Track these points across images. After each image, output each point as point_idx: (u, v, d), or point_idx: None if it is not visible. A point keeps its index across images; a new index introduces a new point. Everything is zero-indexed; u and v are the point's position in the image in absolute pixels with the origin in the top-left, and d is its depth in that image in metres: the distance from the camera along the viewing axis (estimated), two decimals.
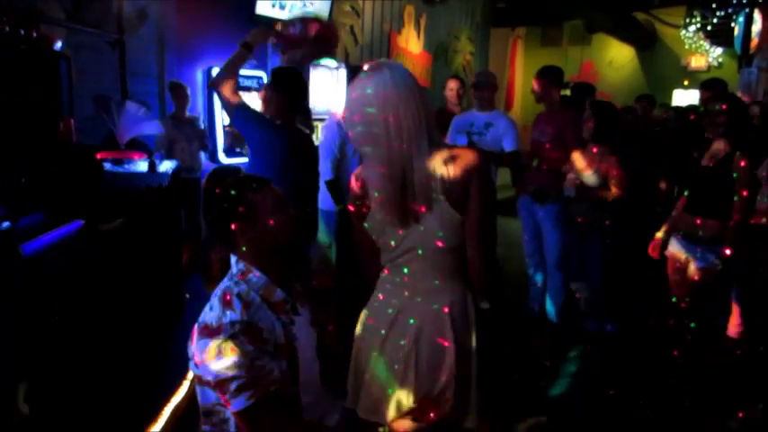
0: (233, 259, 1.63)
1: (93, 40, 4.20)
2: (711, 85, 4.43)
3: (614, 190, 3.62)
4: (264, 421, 1.43)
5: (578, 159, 3.70)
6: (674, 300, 3.26)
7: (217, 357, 1.42)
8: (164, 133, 4.83)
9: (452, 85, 4.98)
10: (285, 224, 1.63)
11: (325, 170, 3.73)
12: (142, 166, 3.39)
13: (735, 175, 2.94)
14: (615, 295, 3.94)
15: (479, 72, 5.59)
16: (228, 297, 1.53)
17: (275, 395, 1.45)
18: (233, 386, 1.42)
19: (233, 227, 1.58)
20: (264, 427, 1.43)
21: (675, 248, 3.26)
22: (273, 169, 2.83)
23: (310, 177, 3.26)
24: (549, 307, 4.12)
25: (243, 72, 5.97)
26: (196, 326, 1.51)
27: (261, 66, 6.32)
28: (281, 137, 2.98)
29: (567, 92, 5.06)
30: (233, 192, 1.59)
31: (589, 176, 3.65)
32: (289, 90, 3.11)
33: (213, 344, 1.44)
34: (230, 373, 1.41)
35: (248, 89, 5.84)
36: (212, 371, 1.43)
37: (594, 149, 3.66)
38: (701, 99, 4.60)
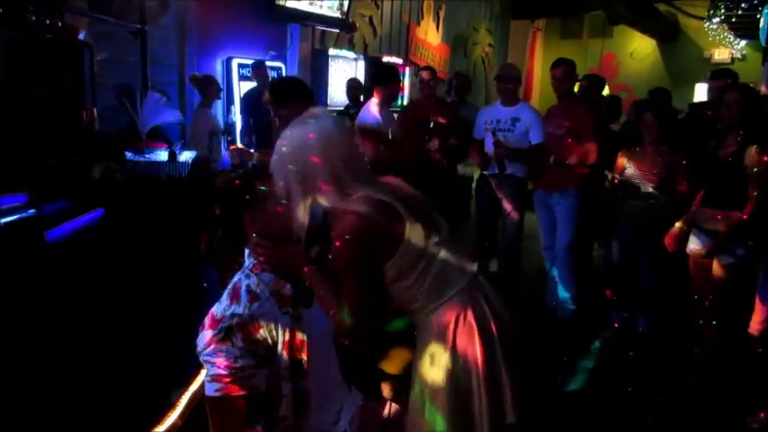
0: (246, 252, 1.64)
1: (116, 30, 4.23)
2: (723, 76, 4.33)
3: (682, 190, 3.46)
4: (223, 417, 1.45)
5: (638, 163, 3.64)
6: (695, 297, 3.22)
7: (207, 343, 1.46)
8: (189, 124, 4.84)
9: (425, 75, 4.58)
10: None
11: None
12: (162, 155, 3.42)
13: (755, 168, 2.88)
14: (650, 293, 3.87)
15: (502, 65, 5.52)
16: (237, 290, 1.55)
17: (244, 400, 1.45)
18: (211, 371, 1.46)
19: (244, 217, 1.60)
20: (222, 422, 1.45)
21: (696, 245, 3.22)
22: None
23: None
24: (562, 293, 4.09)
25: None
26: (204, 320, 1.53)
27: (279, 57, 6.34)
28: None
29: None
30: (242, 183, 1.62)
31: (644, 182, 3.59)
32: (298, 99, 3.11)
33: (209, 333, 1.47)
34: (213, 359, 1.45)
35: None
36: (202, 354, 1.47)
37: (653, 150, 3.58)
38: (711, 89, 4.46)
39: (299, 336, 1.60)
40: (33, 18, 2.57)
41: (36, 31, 2.55)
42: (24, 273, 1.90)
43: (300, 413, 1.59)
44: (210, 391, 1.45)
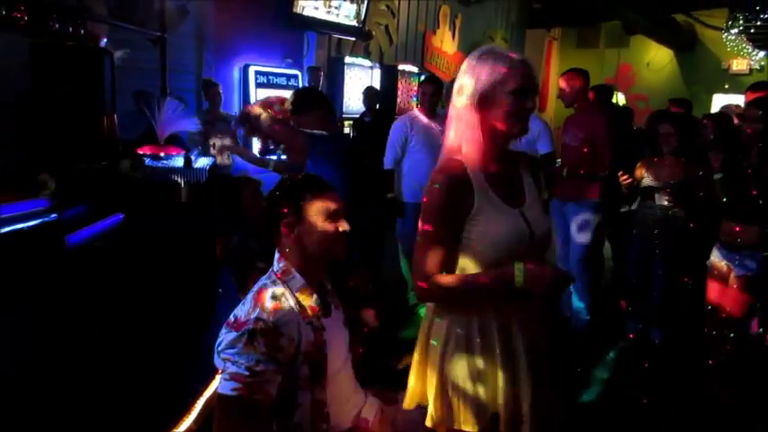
0: (275, 257, 1.65)
1: (136, 37, 4.28)
2: (760, 88, 4.26)
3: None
4: (231, 419, 1.45)
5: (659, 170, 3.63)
6: (709, 308, 3.19)
7: (231, 343, 1.46)
8: (198, 129, 4.87)
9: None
10: (335, 234, 1.63)
11: (387, 160, 4.11)
12: (179, 161, 3.46)
13: None
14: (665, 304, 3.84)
15: None
16: (262, 295, 1.56)
17: (256, 406, 1.46)
18: (230, 369, 1.46)
19: (281, 228, 1.61)
20: (230, 421, 1.46)
21: (716, 257, 3.19)
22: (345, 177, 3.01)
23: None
24: (577, 304, 4.07)
25: (280, 71, 6.07)
26: (228, 319, 1.54)
27: (296, 65, 6.39)
28: (338, 146, 3.12)
29: None
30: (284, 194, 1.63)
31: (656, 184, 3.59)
32: (318, 108, 3.16)
33: (233, 335, 1.47)
34: (235, 358, 1.45)
35: (285, 87, 5.91)
36: (222, 352, 1.47)
37: (671, 161, 3.57)
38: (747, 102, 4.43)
39: (321, 347, 1.61)
40: (56, 25, 2.62)
41: (59, 38, 2.60)
42: (46, 276, 1.93)
43: (316, 421, 1.60)
44: (227, 389, 1.45)
